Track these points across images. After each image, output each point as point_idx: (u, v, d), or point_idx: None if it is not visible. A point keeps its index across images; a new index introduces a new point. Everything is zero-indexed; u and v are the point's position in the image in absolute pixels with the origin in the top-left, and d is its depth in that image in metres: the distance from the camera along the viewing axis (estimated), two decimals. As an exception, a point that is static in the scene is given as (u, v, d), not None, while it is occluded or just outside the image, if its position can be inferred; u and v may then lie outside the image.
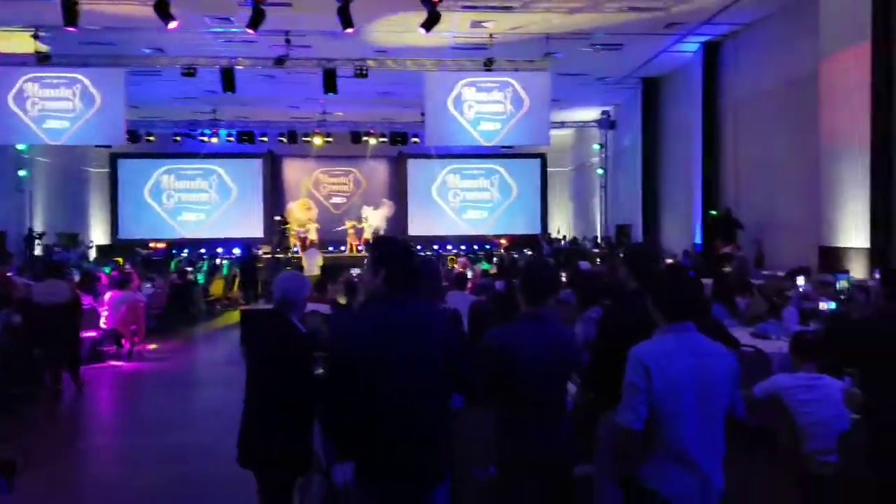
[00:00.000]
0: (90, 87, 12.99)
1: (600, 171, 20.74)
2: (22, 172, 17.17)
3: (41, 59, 12.18)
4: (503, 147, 15.64)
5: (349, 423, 2.47)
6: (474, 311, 4.11)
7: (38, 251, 16.79)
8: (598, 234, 20.58)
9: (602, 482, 3.44)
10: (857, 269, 8.53)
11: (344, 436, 2.52)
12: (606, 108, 19.95)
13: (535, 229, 22.98)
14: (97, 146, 17.96)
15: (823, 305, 6.55)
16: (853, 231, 8.96)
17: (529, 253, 17.47)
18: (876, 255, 8.49)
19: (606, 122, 20.10)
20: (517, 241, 21.40)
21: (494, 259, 16.79)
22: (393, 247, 2.69)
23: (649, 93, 16.81)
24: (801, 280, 7.64)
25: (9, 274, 8.84)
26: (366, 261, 2.75)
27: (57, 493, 5.00)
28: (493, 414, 2.97)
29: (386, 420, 2.46)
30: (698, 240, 13.73)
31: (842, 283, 7.10)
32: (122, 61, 13.05)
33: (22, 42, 12.09)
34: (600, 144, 20.67)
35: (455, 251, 20.62)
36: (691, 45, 13.54)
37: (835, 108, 9.43)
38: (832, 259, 9.19)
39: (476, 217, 23.61)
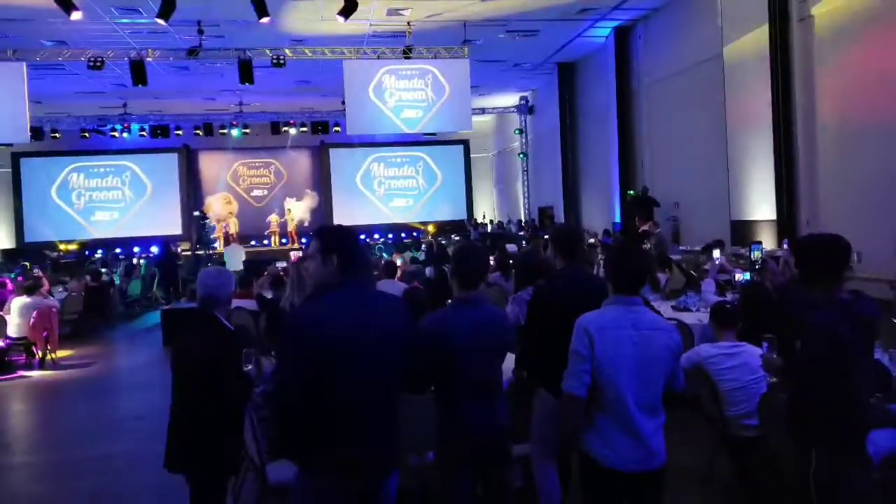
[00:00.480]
0: (-15, 82, 12.18)
1: (521, 156, 21.09)
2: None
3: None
4: (426, 134, 15.66)
5: (310, 417, 2.37)
6: (407, 298, 4.10)
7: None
8: (523, 217, 20.97)
9: (540, 460, 3.52)
10: (767, 240, 9.07)
11: (299, 432, 2.40)
12: (524, 94, 20.29)
13: (461, 215, 23.18)
14: (-2, 145, 16.81)
15: (739, 276, 6.89)
16: (761, 204, 9.51)
17: (458, 239, 17.62)
18: (782, 226, 9.04)
19: (525, 108, 20.46)
20: (444, 228, 21.52)
21: (423, 246, 16.83)
22: (343, 234, 2.62)
23: (565, 77, 17.20)
24: (716, 253, 8.00)
25: None
26: (309, 250, 2.65)
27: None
28: (433, 401, 2.98)
29: (352, 411, 2.40)
30: (618, 218, 14.21)
31: (755, 254, 7.50)
32: (20, 55, 12.23)
33: None
34: (520, 129, 21.00)
35: (381, 240, 20.54)
36: (604, 30, 13.92)
37: (739, 89, 9.96)
38: (743, 232, 9.75)
39: (402, 205, 23.55)
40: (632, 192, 13.55)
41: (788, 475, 3.18)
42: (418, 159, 23.65)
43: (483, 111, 20.77)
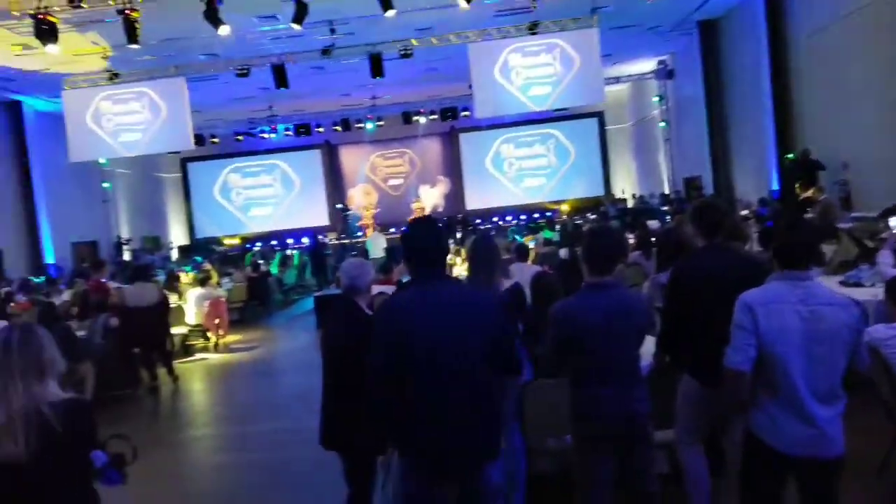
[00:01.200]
0: (156, 98, 13.64)
1: (662, 124, 20.01)
2: (105, 184, 18.65)
3: (111, 78, 13.37)
4: (556, 110, 15.29)
5: (394, 404, 2.49)
6: (536, 283, 4.02)
7: (126, 256, 17.86)
8: (666, 190, 19.93)
9: (685, 444, 3.36)
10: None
11: (387, 417, 2.54)
12: (663, 58, 19.15)
13: (598, 191, 22.48)
14: (168, 153, 18.71)
15: (926, 246, 6.02)
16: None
17: (594, 217, 17.14)
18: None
19: (664, 72, 19.30)
20: (579, 206, 21.00)
21: (557, 227, 16.55)
22: (414, 228, 2.63)
23: (708, 37, 16.00)
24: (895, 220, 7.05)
25: (103, 280, 9.37)
26: None
27: (164, 481, 5.26)
28: (566, 385, 2.94)
29: (431, 401, 2.46)
30: (775, 185, 13.10)
31: (945, 221, 6.51)
32: (181, 70, 13.53)
33: (92, 63, 13.00)
34: (660, 96, 19.92)
35: (515, 222, 20.41)
36: (750, -20, 12.78)
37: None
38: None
39: (534, 185, 23.29)
40: (791, 154, 12.37)
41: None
42: (549, 136, 23.23)
43: (617, 80, 19.89)
